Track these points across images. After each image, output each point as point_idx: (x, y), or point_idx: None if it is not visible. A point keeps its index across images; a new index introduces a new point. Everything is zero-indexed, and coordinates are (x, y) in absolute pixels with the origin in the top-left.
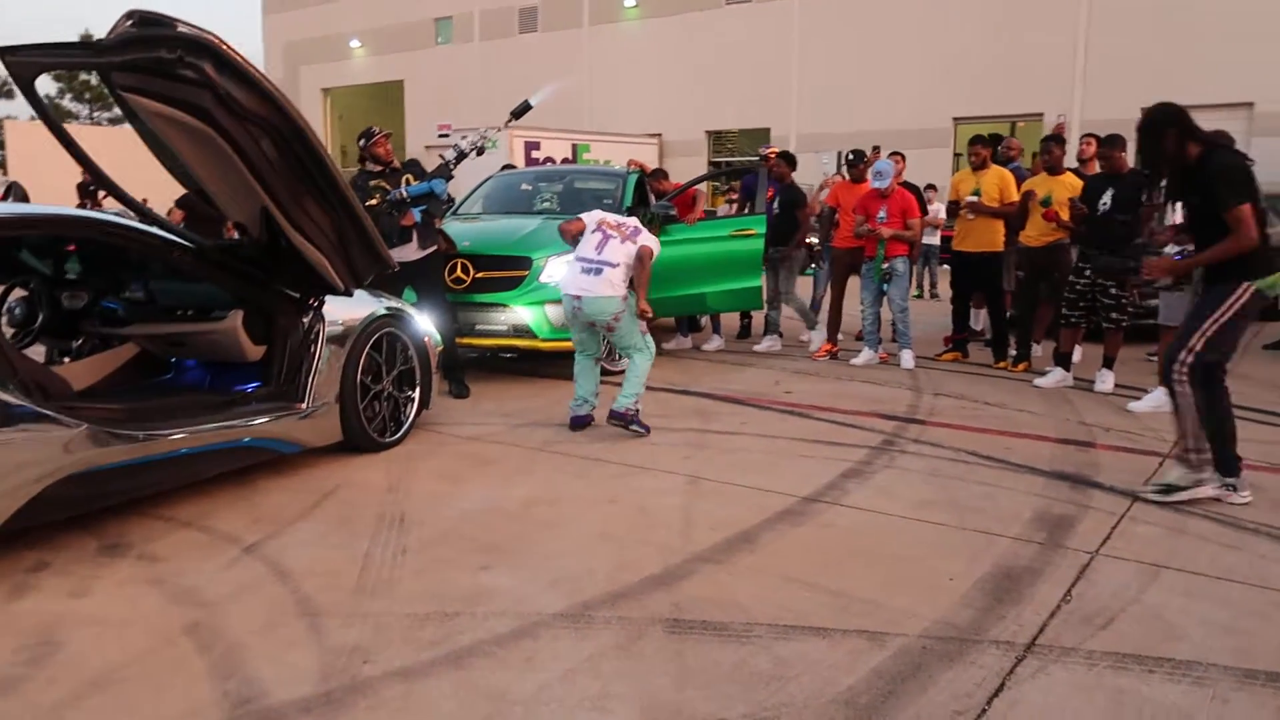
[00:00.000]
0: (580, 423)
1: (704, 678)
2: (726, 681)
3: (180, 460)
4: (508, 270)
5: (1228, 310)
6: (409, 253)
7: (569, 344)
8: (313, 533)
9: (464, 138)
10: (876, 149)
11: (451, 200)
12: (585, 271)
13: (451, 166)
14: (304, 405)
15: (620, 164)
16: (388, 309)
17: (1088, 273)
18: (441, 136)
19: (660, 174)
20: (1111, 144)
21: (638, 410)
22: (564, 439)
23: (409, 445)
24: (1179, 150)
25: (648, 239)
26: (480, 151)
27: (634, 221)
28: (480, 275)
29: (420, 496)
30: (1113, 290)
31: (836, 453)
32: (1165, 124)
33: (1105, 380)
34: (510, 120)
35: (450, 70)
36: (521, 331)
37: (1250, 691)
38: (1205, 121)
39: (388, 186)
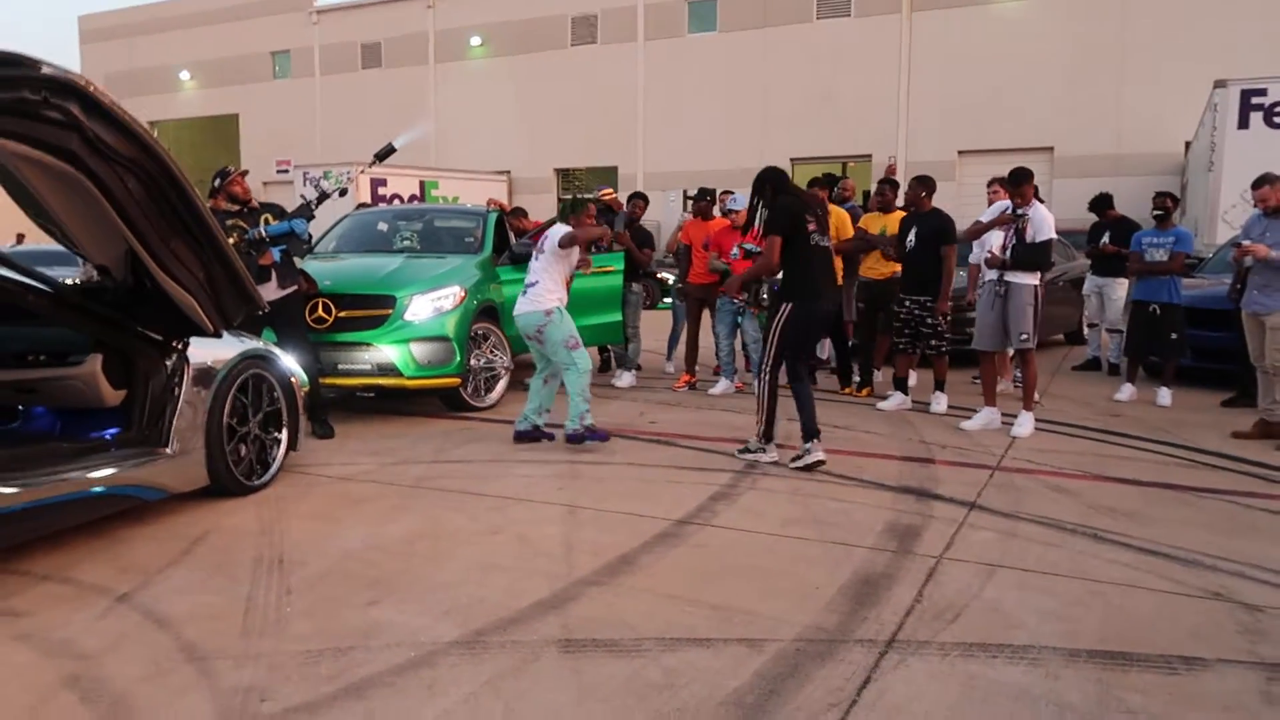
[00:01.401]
0: (521, 437)
1: (601, 692)
2: (623, 694)
3: (32, 512)
4: (372, 309)
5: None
6: (268, 292)
7: (434, 381)
8: (187, 579)
9: (322, 179)
10: (727, 192)
11: (310, 240)
12: (523, 292)
13: (313, 207)
14: (168, 449)
15: (469, 201)
16: (253, 349)
17: (907, 303)
18: (281, 173)
19: (520, 212)
20: (922, 184)
21: (585, 427)
22: (438, 475)
23: (278, 487)
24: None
25: (556, 231)
26: (343, 193)
27: (550, 231)
28: (343, 314)
29: (297, 538)
30: (928, 320)
31: (703, 478)
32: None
33: (939, 402)
34: (374, 162)
35: (289, 105)
36: (387, 370)
37: (1076, 668)
38: (1013, 161)
39: (245, 225)
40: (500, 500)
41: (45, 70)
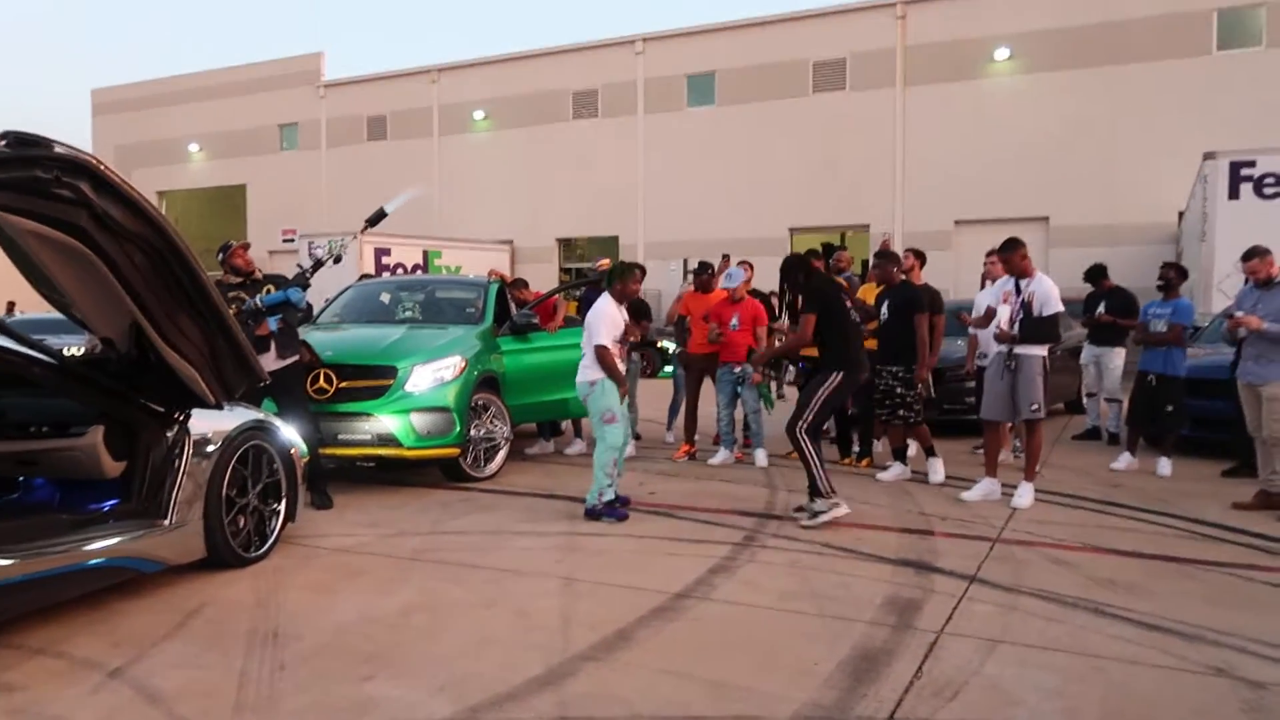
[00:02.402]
0: (590, 514)
1: None
2: None
3: (29, 584)
4: (372, 379)
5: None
6: (267, 362)
7: (434, 452)
8: (180, 653)
9: (319, 246)
10: (726, 257)
11: (310, 309)
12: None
13: (308, 275)
14: (166, 522)
15: (471, 270)
16: (254, 421)
17: (883, 374)
18: (286, 242)
19: (521, 283)
20: (884, 259)
21: (603, 502)
22: (435, 547)
23: (275, 559)
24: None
25: (598, 308)
26: (338, 260)
27: (594, 307)
28: (344, 385)
29: (292, 610)
30: (898, 390)
31: (702, 550)
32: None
33: (936, 471)
34: (366, 228)
35: (295, 176)
36: (386, 440)
37: None
38: (1009, 231)
39: (245, 297)
40: (498, 572)
41: (58, 150)
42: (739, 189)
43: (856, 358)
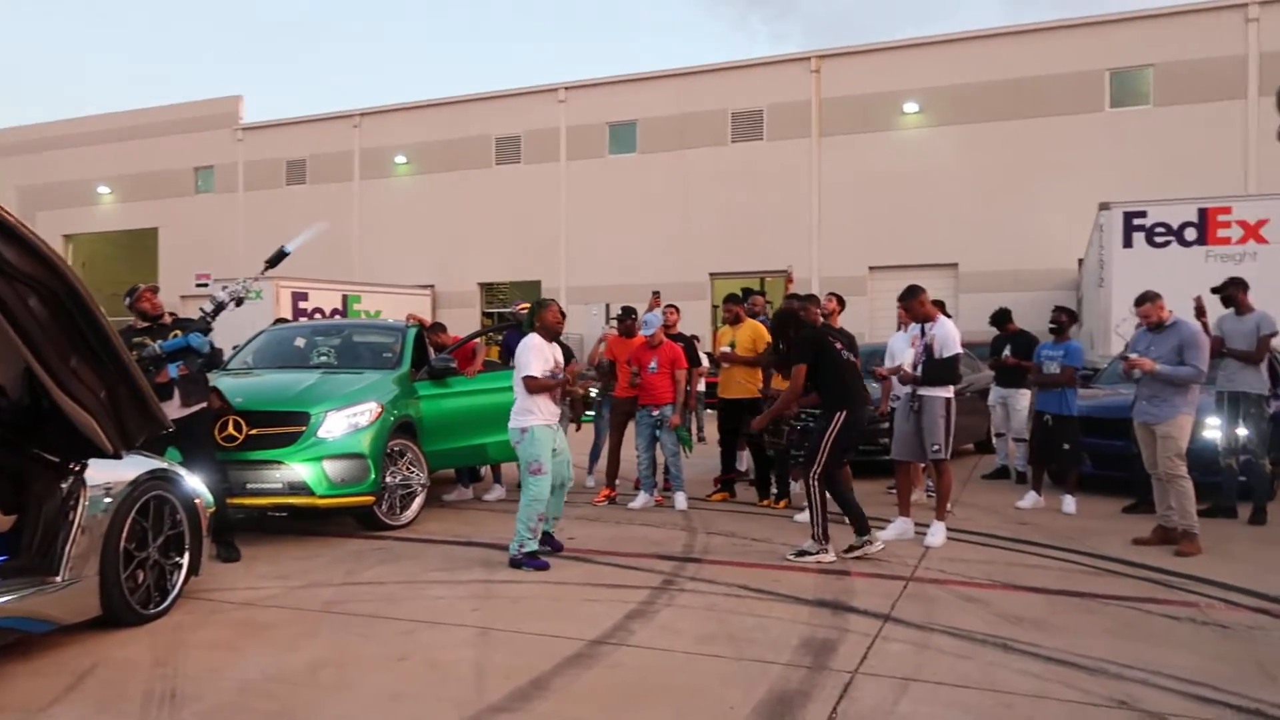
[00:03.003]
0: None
1: None
2: None
3: None
4: (285, 426)
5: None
6: (171, 410)
7: (348, 500)
8: (71, 718)
9: (224, 288)
10: (656, 294)
11: (216, 354)
12: None
13: (210, 320)
14: (59, 578)
15: (392, 315)
16: (156, 470)
17: (803, 415)
18: (200, 286)
19: (439, 327)
20: (806, 301)
21: (523, 553)
22: (347, 598)
23: (176, 616)
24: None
25: (522, 348)
26: (239, 303)
27: (518, 349)
28: (255, 432)
29: (193, 670)
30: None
31: (620, 595)
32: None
33: None
34: (266, 269)
35: (210, 219)
36: (298, 489)
37: None
38: (921, 277)
39: (149, 342)
40: (411, 624)
41: None
42: (660, 235)
43: (856, 393)
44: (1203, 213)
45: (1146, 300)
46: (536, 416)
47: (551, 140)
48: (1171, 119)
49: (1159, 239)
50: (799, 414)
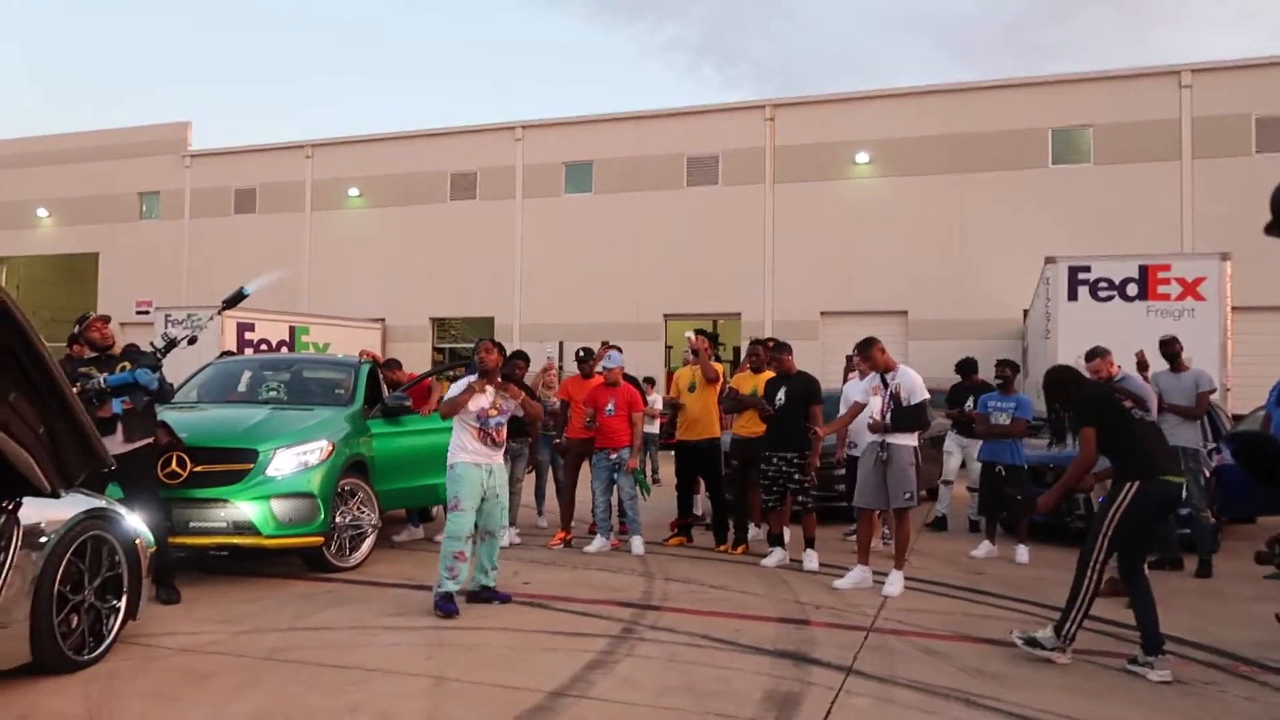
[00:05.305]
0: (471, 597)
1: None
2: None
3: None
4: (230, 463)
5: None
6: (113, 446)
7: (296, 540)
8: None
9: (176, 322)
10: (605, 343)
11: (166, 390)
12: None
13: (160, 356)
14: None
15: (341, 348)
16: (94, 509)
17: (774, 460)
18: (140, 313)
19: (394, 364)
20: (780, 349)
21: (438, 593)
22: (294, 645)
23: (112, 662)
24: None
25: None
26: (192, 341)
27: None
28: (199, 469)
29: None
30: (796, 476)
31: (579, 643)
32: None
33: (810, 560)
34: (224, 308)
35: (154, 245)
36: (244, 529)
37: None
38: (871, 323)
39: (94, 373)
40: (362, 672)
41: None
42: (615, 275)
43: (1153, 462)
44: (1143, 269)
45: (1096, 355)
46: (464, 454)
47: (507, 178)
48: (1110, 177)
49: (1102, 293)
50: (771, 458)
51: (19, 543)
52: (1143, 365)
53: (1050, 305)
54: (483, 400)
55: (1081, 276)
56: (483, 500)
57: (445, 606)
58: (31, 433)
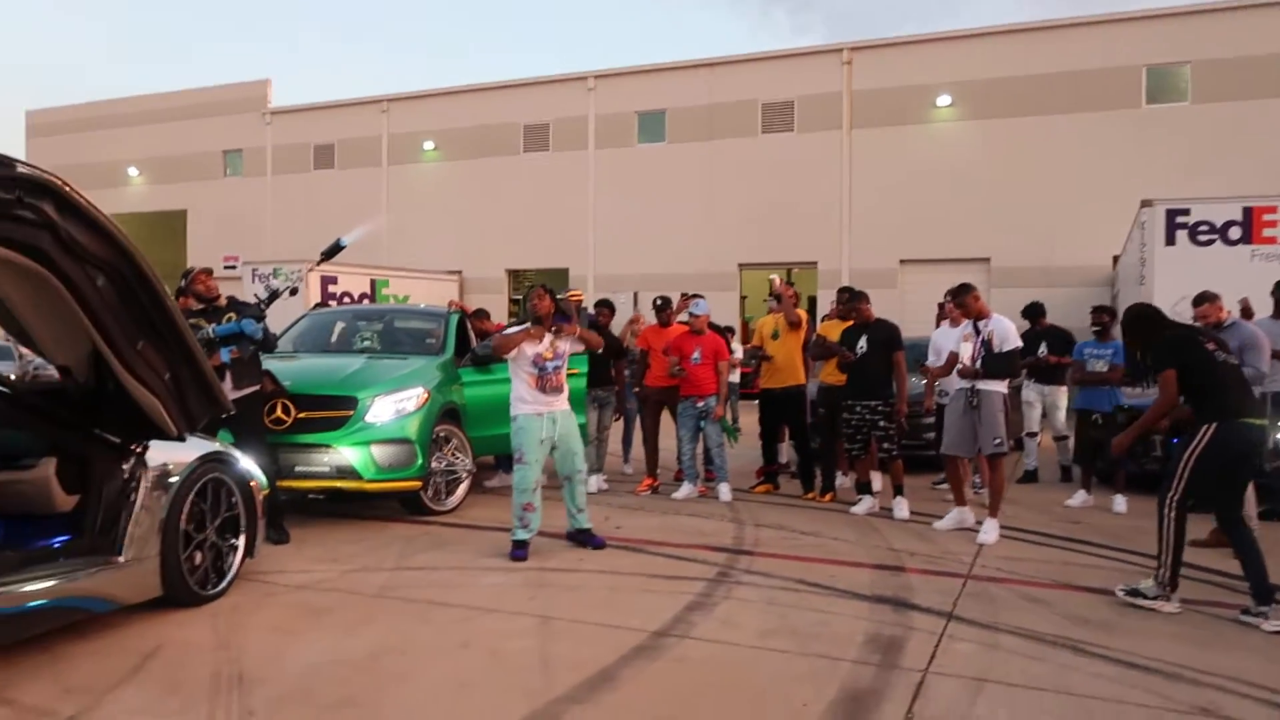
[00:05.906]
0: (570, 538)
1: None
2: None
3: None
4: (332, 410)
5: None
6: None
7: (395, 485)
8: (139, 700)
9: (273, 276)
10: (685, 294)
11: (270, 339)
12: None
13: (264, 307)
14: (121, 558)
15: (419, 300)
16: (212, 452)
17: (857, 409)
18: (228, 268)
19: (482, 314)
20: (856, 298)
21: (513, 541)
22: (401, 584)
23: (233, 597)
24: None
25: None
26: (294, 292)
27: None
28: (303, 415)
29: (256, 652)
30: (881, 424)
31: (676, 586)
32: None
33: (901, 508)
34: (322, 259)
35: (239, 202)
36: (346, 473)
37: None
38: (952, 271)
39: (204, 324)
40: (468, 610)
41: (20, 170)
42: (688, 225)
43: (1232, 404)
44: (1248, 211)
45: (1205, 300)
46: (524, 405)
47: (580, 128)
48: (1209, 116)
49: (1202, 237)
50: (854, 407)
51: (147, 484)
52: (1247, 313)
53: (1146, 250)
54: (539, 345)
55: (1180, 220)
56: (553, 449)
57: (516, 553)
58: (159, 379)
